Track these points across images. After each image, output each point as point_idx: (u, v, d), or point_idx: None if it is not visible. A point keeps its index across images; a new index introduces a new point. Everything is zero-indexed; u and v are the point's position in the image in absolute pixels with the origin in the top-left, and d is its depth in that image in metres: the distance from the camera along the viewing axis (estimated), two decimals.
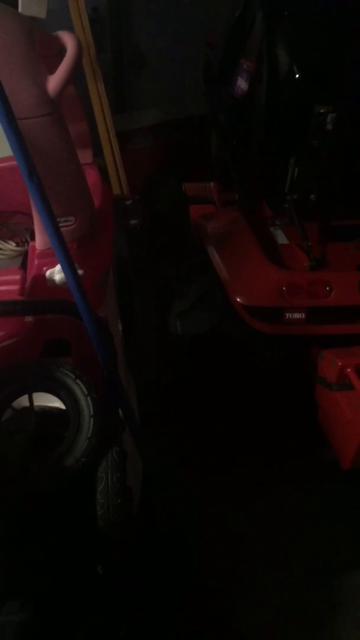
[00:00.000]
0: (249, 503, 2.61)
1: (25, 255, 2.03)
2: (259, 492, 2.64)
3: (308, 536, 2.52)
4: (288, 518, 2.58)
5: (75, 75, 1.58)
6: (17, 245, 2.19)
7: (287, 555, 2.45)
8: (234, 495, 2.62)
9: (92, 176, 2.20)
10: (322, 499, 2.64)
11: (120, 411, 1.81)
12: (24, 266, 1.96)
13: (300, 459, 2.72)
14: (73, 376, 1.56)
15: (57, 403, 1.58)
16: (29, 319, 1.73)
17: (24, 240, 2.21)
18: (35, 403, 1.59)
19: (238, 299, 2.44)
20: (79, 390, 1.55)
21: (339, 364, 2.29)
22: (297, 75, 2.44)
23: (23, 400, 1.58)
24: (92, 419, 1.51)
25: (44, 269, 1.75)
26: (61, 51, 1.56)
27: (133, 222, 3.43)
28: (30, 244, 1.84)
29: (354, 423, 2.23)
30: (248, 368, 2.51)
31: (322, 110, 2.43)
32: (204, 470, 2.59)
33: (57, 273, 1.72)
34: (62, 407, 1.56)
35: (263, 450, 2.66)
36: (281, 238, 2.70)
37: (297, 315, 2.42)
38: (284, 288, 2.41)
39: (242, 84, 2.84)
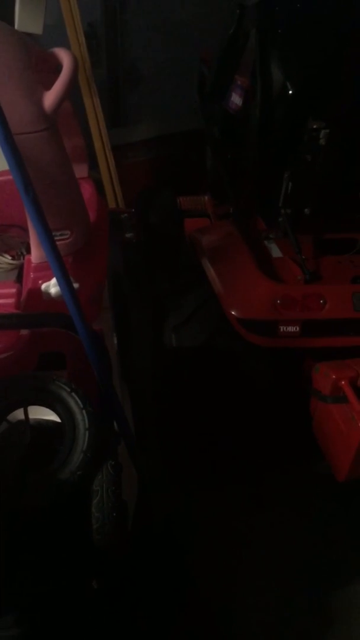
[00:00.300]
0: (244, 513, 2.61)
1: (21, 268, 2.04)
2: (255, 502, 2.65)
3: (303, 545, 2.52)
4: (284, 527, 2.58)
5: (71, 90, 1.60)
6: (13, 258, 2.20)
7: (283, 564, 2.45)
8: (230, 504, 2.62)
9: (87, 190, 2.22)
10: (318, 510, 2.65)
11: (115, 424, 1.81)
12: (19, 280, 1.96)
13: (296, 471, 2.72)
14: (68, 389, 1.57)
15: (52, 416, 1.58)
16: (24, 332, 1.74)
17: (19, 253, 2.22)
18: (31, 416, 1.60)
19: (233, 312, 2.45)
20: (74, 403, 1.55)
21: (333, 376, 2.30)
22: (290, 92, 2.47)
23: (18, 414, 1.58)
24: (87, 432, 1.52)
25: (40, 282, 1.76)
26: (57, 67, 1.58)
27: (128, 235, 3.44)
28: (26, 257, 1.85)
29: (348, 436, 2.23)
30: (243, 381, 2.51)
31: (315, 126, 2.45)
32: (198, 481, 2.59)
33: (52, 286, 1.73)
34: (58, 420, 1.57)
35: (258, 462, 2.66)
36: (275, 251, 2.71)
37: (291, 328, 2.43)
38: (279, 301, 2.42)
39: (236, 99, 2.87)
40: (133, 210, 3.65)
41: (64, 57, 1.57)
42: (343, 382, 2.28)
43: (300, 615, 2.29)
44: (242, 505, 2.63)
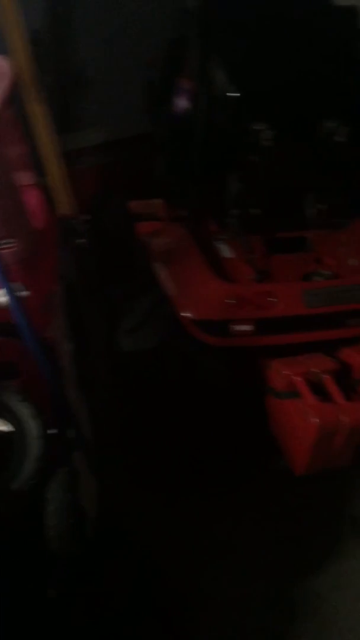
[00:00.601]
0: (208, 513, 2.62)
1: None
2: (218, 502, 2.66)
3: (268, 542, 2.55)
4: (248, 526, 2.61)
5: (16, 98, 1.60)
6: None
7: (249, 562, 2.48)
8: (193, 506, 2.62)
9: (34, 197, 2.21)
10: (279, 507, 2.68)
11: (70, 431, 1.81)
12: None
13: (257, 468, 2.74)
14: (19, 398, 1.56)
15: (3, 426, 1.57)
16: None
17: None
18: None
19: (186, 314, 2.46)
20: (25, 412, 1.54)
21: (286, 373, 2.34)
22: (233, 95, 2.50)
23: None
24: (38, 441, 1.51)
25: None
26: None
27: (81, 241, 3.42)
28: None
29: (303, 430, 2.27)
30: (199, 382, 2.53)
31: (260, 127, 2.49)
32: (160, 483, 2.60)
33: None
34: (8, 429, 1.55)
35: (220, 462, 2.67)
36: (226, 252, 2.74)
37: (244, 327, 2.45)
38: (231, 301, 2.44)
39: (181, 102, 2.89)
40: (85, 216, 3.63)
41: (2, 65, 1.57)
42: (296, 378, 2.32)
43: (267, 610, 2.32)
44: (205, 505, 2.64)
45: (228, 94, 2.48)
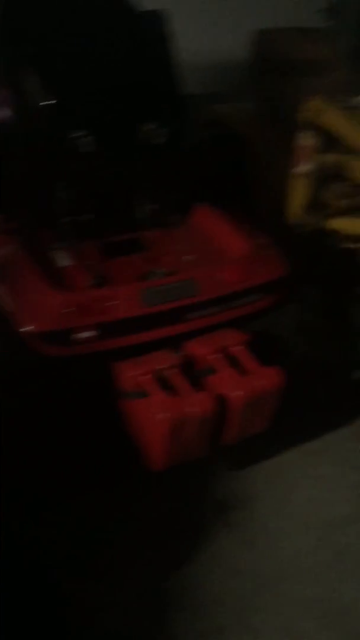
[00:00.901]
0: (79, 524, 2.62)
1: None
2: (87, 512, 2.65)
3: (140, 543, 2.59)
4: (118, 530, 2.63)
5: None
6: None
7: (123, 567, 2.50)
8: (64, 520, 2.62)
9: None
10: (147, 503, 2.72)
11: None
12: None
13: (118, 472, 2.75)
14: None
15: None
16: None
17: None
18: None
19: (26, 328, 2.41)
20: None
21: (132, 373, 2.37)
22: (49, 102, 2.49)
23: None
24: None
25: None
26: None
27: None
28: None
29: (154, 427, 2.32)
30: (49, 396, 2.48)
31: (79, 134, 2.50)
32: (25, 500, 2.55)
33: None
34: None
35: (82, 472, 2.66)
36: (63, 260, 2.72)
37: (87, 334, 2.45)
38: (71, 309, 2.43)
39: (0, 112, 2.83)
40: None
41: None
42: (143, 377, 2.37)
43: (145, 606, 2.36)
44: (76, 515, 2.64)
45: (42, 103, 2.47)
